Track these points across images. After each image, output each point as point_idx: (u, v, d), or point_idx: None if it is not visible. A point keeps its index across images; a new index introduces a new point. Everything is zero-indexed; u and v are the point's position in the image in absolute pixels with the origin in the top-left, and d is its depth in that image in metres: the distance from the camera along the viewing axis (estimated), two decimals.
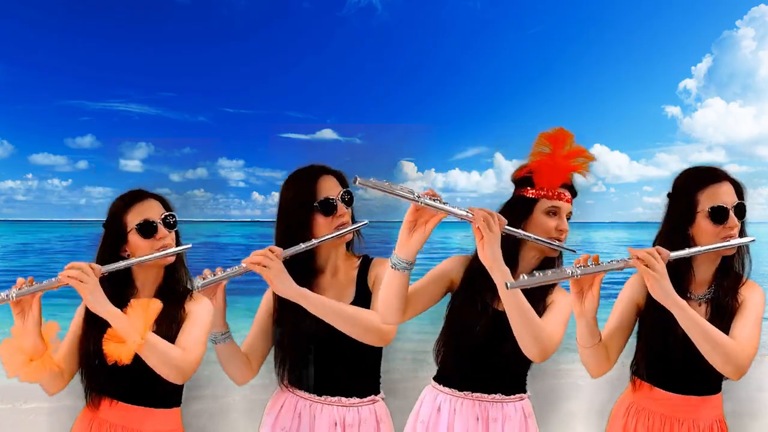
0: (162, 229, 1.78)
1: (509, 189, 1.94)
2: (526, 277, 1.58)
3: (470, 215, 1.63)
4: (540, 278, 1.59)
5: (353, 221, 1.95)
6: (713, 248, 1.71)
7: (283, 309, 1.92)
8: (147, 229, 1.77)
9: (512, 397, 1.88)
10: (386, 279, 1.71)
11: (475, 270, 1.83)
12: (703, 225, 1.74)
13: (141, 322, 1.67)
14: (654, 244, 1.79)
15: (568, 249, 1.82)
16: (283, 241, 1.86)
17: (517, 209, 1.84)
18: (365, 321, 1.80)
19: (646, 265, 1.57)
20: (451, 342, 1.91)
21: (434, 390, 1.94)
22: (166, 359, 1.66)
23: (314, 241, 1.84)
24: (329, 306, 1.80)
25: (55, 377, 1.76)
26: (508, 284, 1.59)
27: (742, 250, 1.81)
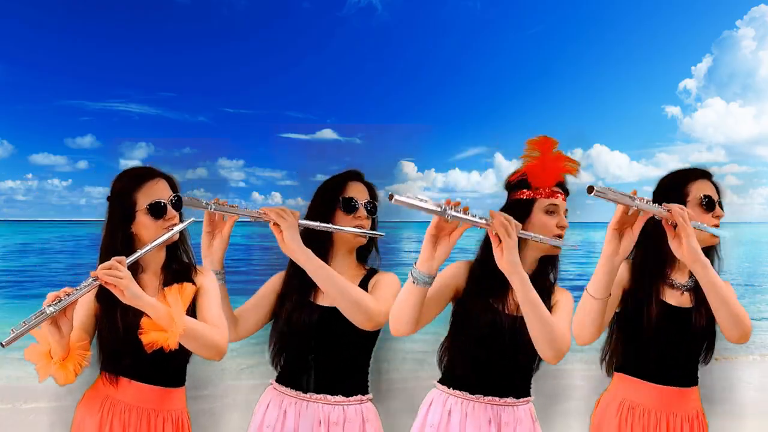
0: (170, 210, 1.80)
1: None
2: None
3: (489, 222, 1.62)
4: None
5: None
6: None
7: (282, 300, 1.96)
8: (157, 210, 1.77)
9: (522, 400, 1.89)
10: (404, 292, 1.70)
11: (479, 275, 1.85)
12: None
13: (179, 309, 1.67)
14: (636, 256, 1.90)
15: (569, 246, 1.86)
16: (304, 236, 1.89)
17: (516, 212, 1.83)
18: (358, 298, 1.82)
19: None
20: (461, 346, 1.90)
21: (443, 393, 1.92)
22: (207, 341, 1.70)
23: (331, 225, 1.91)
24: (329, 273, 1.82)
25: (79, 372, 1.69)
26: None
27: (717, 247, 1.91)
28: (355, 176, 2.02)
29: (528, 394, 1.92)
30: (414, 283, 1.66)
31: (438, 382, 1.96)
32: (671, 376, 1.86)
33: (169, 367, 1.81)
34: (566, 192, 1.92)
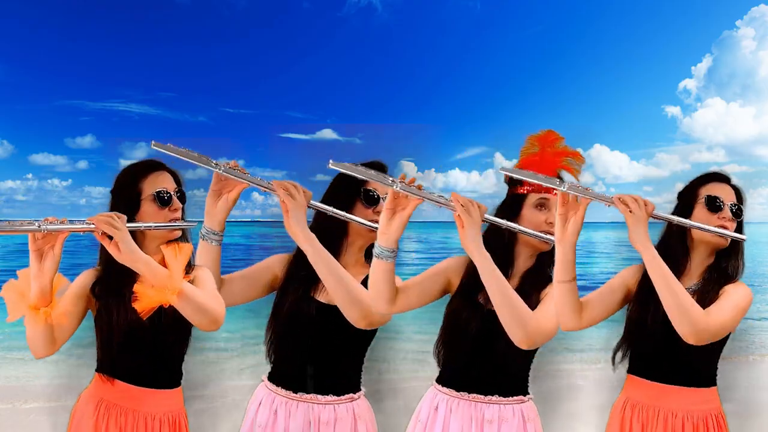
0: (176, 201, 1.80)
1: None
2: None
3: (450, 203, 1.69)
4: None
5: None
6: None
7: (283, 289, 1.93)
8: (162, 199, 1.77)
9: (510, 399, 1.86)
10: (373, 269, 1.75)
11: (471, 271, 1.83)
12: (699, 214, 1.83)
13: (178, 267, 1.63)
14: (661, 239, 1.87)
15: (550, 238, 1.81)
16: (319, 225, 1.88)
17: (508, 207, 1.87)
18: (357, 292, 1.78)
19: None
20: (448, 342, 1.91)
21: (434, 390, 1.94)
22: (202, 306, 1.63)
23: (346, 214, 1.85)
24: (329, 261, 1.77)
25: (48, 336, 1.66)
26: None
27: (738, 254, 1.85)
28: (379, 167, 1.93)
29: (520, 393, 1.89)
30: (378, 258, 1.74)
31: (435, 380, 1.96)
32: (680, 375, 1.84)
33: (165, 369, 1.80)
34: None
